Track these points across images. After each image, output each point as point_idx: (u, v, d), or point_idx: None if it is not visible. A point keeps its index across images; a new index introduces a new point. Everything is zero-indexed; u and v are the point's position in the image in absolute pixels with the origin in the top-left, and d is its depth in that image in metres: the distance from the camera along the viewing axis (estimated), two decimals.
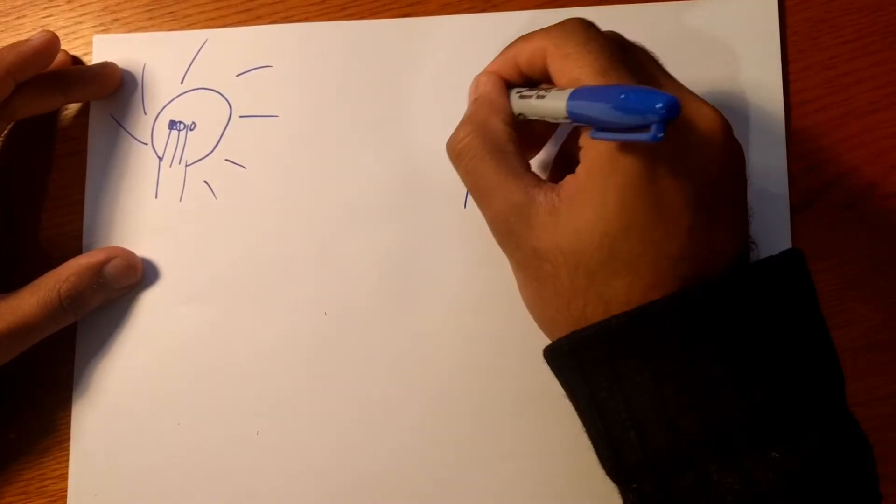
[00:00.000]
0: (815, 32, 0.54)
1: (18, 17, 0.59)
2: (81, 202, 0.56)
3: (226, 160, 0.56)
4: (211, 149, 0.56)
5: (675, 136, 0.38)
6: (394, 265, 0.54)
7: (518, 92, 0.45)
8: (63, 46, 0.57)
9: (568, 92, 0.40)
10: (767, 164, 0.53)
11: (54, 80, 0.55)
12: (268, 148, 0.55)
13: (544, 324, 0.43)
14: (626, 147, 0.38)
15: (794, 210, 0.52)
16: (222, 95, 0.56)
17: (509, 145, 0.43)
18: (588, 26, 0.43)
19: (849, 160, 0.53)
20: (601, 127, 0.38)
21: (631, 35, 0.54)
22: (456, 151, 0.44)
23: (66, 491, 0.54)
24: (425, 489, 0.52)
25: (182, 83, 0.57)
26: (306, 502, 0.53)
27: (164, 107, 0.56)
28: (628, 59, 0.42)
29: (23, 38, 0.57)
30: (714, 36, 0.54)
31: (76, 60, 0.58)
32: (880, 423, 0.51)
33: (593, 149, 0.39)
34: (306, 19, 0.57)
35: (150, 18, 0.58)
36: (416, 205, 0.54)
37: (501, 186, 0.42)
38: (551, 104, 0.41)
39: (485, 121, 0.44)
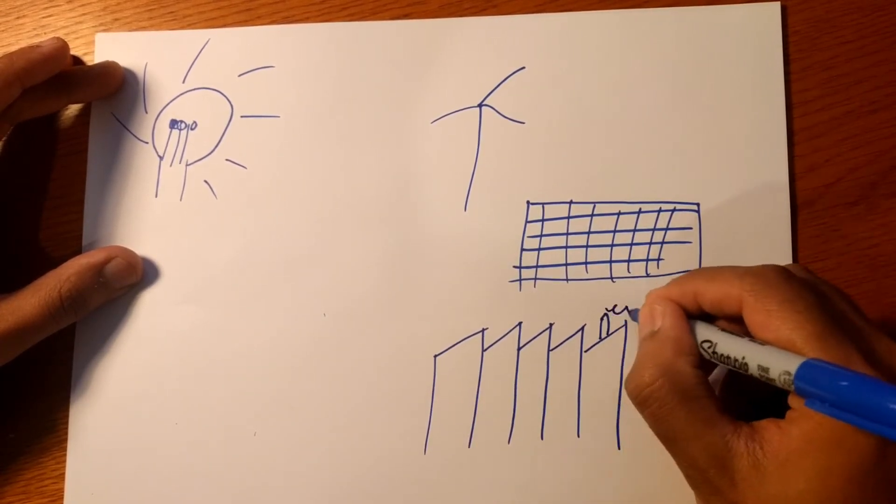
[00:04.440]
0: (815, 32, 0.54)
1: (18, 17, 0.59)
2: (82, 201, 0.56)
3: (226, 160, 0.56)
4: (212, 148, 0.56)
5: None
6: (393, 267, 0.54)
7: (706, 338, 0.43)
8: None
9: (791, 360, 0.38)
10: (768, 164, 0.53)
11: (58, 82, 0.55)
12: (269, 148, 0.55)
13: None
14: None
15: (795, 210, 0.52)
16: (224, 95, 0.56)
17: (700, 389, 0.41)
18: (788, 277, 0.41)
19: (849, 160, 0.53)
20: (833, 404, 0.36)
21: (634, 37, 0.54)
22: (641, 397, 0.42)
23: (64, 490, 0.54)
24: (422, 491, 0.52)
25: (184, 82, 0.57)
26: (304, 503, 0.52)
27: (165, 106, 0.56)
28: (833, 311, 0.40)
29: (22, 38, 0.58)
30: (717, 40, 0.54)
31: (77, 60, 0.58)
32: None
33: (814, 413, 0.37)
34: (306, 19, 0.57)
35: (150, 18, 0.58)
36: (416, 206, 0.54)
37: (696, 437, 0.40)
38: (763, 364, 0.39)
39: (671, 364, 0.42)
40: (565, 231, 0.53)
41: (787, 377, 0.37)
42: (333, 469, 0.52)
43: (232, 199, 0.55)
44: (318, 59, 0.56)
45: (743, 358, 0.40)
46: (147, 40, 0.57)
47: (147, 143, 0.56)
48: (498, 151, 0.54)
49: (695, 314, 0.44)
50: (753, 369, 0.39)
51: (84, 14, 0.59)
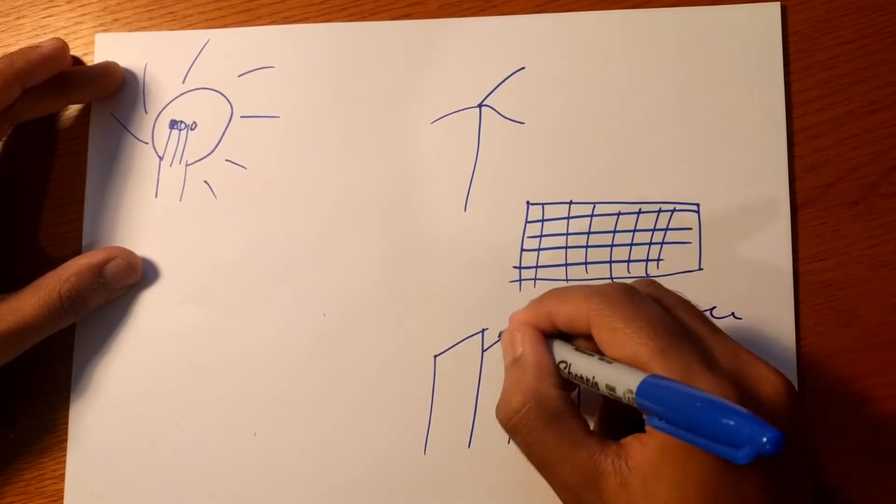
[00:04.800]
0: (815, 32, 0.54)
1: (18, 18, 0.59)
2: (82, 201, 0.56)
3: (226, 160, 0.56)
4: (212, 149, 0.56)
5: (750, 408, 0.37)
6: (393, 267, 0.54)
7: (562, 359, 0.43)
8: None
9: (632, 378, 0.38)
10: (768, 164, 0.53)
11: (58, 82, 0.55)
12: (269, 148, 0.55)
13: None
14: None
15: (795, 210, 0.52)
16: (224, 95, 0.56)
17: (566, 410, 0.42)
18: (631, 295, 0.42)
19: (849, 160, 0.53)
20: (670, 420, 0.37)
21: (634, 37, 0.54)
22: (511, 426, 0.42)
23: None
24: (422, 491, 0.52)
25: (184, 83, 0.57)
26: (303, 503, 0.52)
27: (165, 106, 0.56)
28: (676, 324, 0.41)
29: (22, 38, 0.58)
30: (717, 40, 0.54)
31: (77, 61, 0.58)
32: (880, 423, 0.51)
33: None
34: (306, 20, 0.57)
35: (150, 18, 0.58)
36: (416, 207, 0.54)
37: (566, 459, 0.40)
38: (609, 383, 0.40)
39: (535, 389, 0.42)
40: (565, 231, 0.53)
41: (630, 395, 0.38)
42: (333, 469, 0.52)
43: (232, 199, 0.55)
44: (318, 59, 0.56)
45: (593, 378, 0.41)
46: (147, 40, 0.57)
47: (147, 143, 0.56)
48: (498, 152, 0.54)
49: (553, 334, 0.45)
50: (602, 388, 0.40)
51: (84, 14, 0.59)
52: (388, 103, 0.55)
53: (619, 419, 0.45)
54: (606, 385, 0.40)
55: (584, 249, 0.53)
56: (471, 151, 0.54)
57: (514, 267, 0.53)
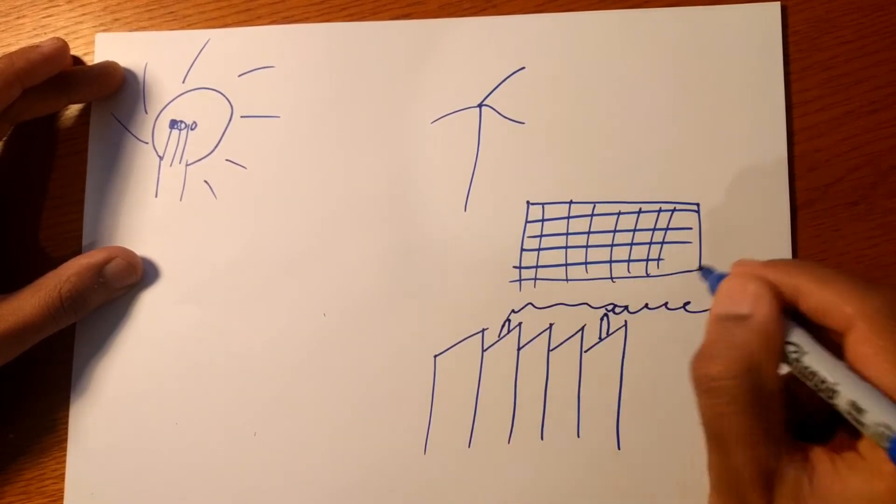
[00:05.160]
0: (815, 32, 0.54)
1: (18, 17, 0.59)
2: (82, 201, 0.56)
3: (226, 160, 0.56)
4: (212, 148, 0.56)
5: None
6: (393, 267, 0.54)
7: (796, 341, 0.37)
8: None
9: None
10: (768, 164, 0.53)
11: (58, 82, 0.55)
12: (269, 148, 0.55)
13: None
14: None
15: (795, 210, 0.52)
16: (224, 95, 0.56)
17: (775, 400, 0.36)
18: None
19: (849, 160, 0.53)
20: None
21: (634, 37, 0.54)
22: (708, 388, 0.36)
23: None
24: (422, 491, 0.52)
25: (184, 82, 0.57)
26: (304, 503, 0.53)
27: (165, 106, 0.57)
28: None
29: (22, 38, 0.58)
30: (717, 40, 0.54)
31: (77, 60, 0.58)
32: None
33: (881, 475, 0.34)
34: (306, 20, 0.57)
35: (150, 18, 0.58)
36: (416, 206, 0.54)
37: (752, 447, 0.35)
38: (860, 403, 0.34)
39: (758, 364, 0.36)
40: (565, 231, 0.53)
41: (885, 430, 0.33)
42: (333, 469, 0.52)
43: (232, 199, 0.55)
44: (318, 59, 0.56)
45: (835, 384, 0.35)
46: (147, 40, 0.57)
47: (147, 143, 0.56)
48: (498, 151, 0.54)
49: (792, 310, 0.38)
50: (842, 402, 0.35)
51: (84, 14, 0.59)
52: (388, 103, 0.55)
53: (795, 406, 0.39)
54: (852, 402, 0.34)
55: (584, 249, 0.53)
56: (471, 151, 0.54)
57: (515, 267, 0.53)
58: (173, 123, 0.56)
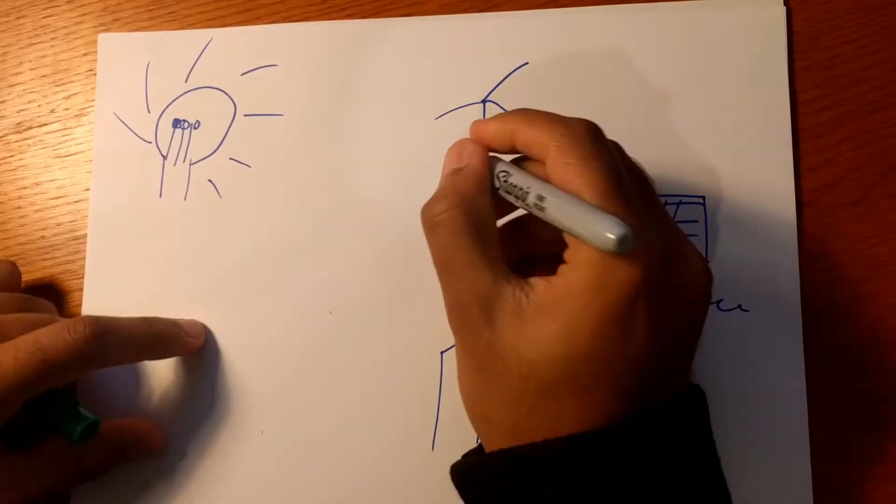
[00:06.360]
0: (815, 32, 0.54)
1: (18, 18, 0.59)
2: (84, 201, 0.56)
3: (230, 159, 0.56)
4: (215, 147, 0.56)
5: (663, 278, 0.39)
6: (398, 263, 0.54)
7: (503, 169, 0.43)
8: (63, 46, 0.58)
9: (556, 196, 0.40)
10: (773, 157, 0.53)
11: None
12: (272, 147, 0.56)
13: (476, 417, 0.43)
14: (612, 275, 0.38)
15: (801, 202, 0.53)
16: (227, 94, 0.56)
17: (490, 228, 0.42)
18: (595, 136, 0.41)
19: (849, 160, 0.54)
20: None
21: (636, 36, 0.54)
22: (434, 222, 0.42)
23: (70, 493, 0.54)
24: (430, 487, 0.52)
25: (186, 82, 0.57)
26: (310, 501, 0.52)
27: (168, 105, 0.56)
28: (628, 179, 0.41)
29: (23, 38, 0.58)
30: (721, 34, 0.54)
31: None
32: (880, 423, 0.51)
33: (578, 267, 0.39)
34: (307, 19, 0.57)
35: (150, 18, 0.58)
36: (421, 203, 0.53)
37: (471, 270, 0.40)
38: (542, 193, 0.40)
39: (472, 197, 0.42)
40: None
41: (561, 218, 0.39)
42: (340, 467, 0.52)
43: (236, 198, 0.55)
44: (320, 56, 0.56)
45: (527, 188, 0.41)
46: (149, 40, 0.57)
47: (150, 142, 0.56)
48: None
49: (505, 152, 0.44)
50: (531, 200, 0.40)
51: (84, 14, 0.59)
52: (392, 100, 0.55)
53: (533, 266, 0.45)
54: (537, 195, 0.40)
55: None
56: None
57: None
58: (176, 123, 0.56)
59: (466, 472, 0.43)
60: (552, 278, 0.40)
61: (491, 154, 0.44)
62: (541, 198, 0.40)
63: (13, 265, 0.54)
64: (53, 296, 0.56)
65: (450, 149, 0.45)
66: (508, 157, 0.44)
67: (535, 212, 0.40)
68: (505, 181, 0.43)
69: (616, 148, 0.44)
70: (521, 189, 0.41)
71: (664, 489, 0.39)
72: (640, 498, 0.38)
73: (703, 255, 0.52)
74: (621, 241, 0.36)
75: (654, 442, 0.39)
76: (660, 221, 0.42)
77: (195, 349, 0.54)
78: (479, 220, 0.42)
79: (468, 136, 0.46)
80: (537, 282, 0.40)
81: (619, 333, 0.38)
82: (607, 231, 0.36)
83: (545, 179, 0.41)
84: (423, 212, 0.43)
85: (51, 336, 0.46)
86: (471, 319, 0.40)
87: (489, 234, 0.42)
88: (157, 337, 0.51)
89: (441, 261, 0.42)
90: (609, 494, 0.38)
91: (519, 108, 0.44)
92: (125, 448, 0.52)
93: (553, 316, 0.38)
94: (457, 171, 0.44)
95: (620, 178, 0.40)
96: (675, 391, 0.41)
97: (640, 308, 0.38)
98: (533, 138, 0.42)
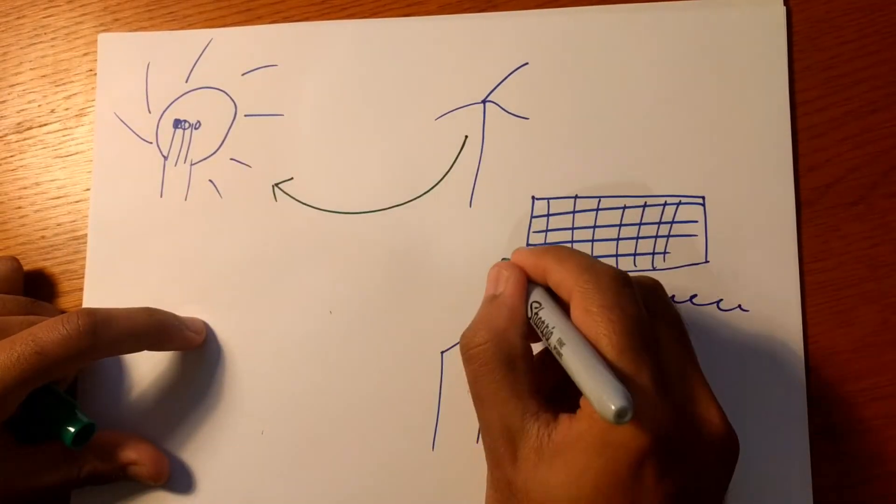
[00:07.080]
0: (815, 32, 0.54)
1: (18, 18, 0.59)
2: (84, 201, 0.56)
3: (231, 159, 0.56)
4: (216, 148, 0.56)
5: (675, 446, 0.39)
6: (399, 263, 0.54)
7: (537, 300, 0.44)
8: (63, 46, 0.58)
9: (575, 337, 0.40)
10: (773, 157, 0.53)
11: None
12: (273, 147, 0.55)
13: None
14: (616, 435, 0.38)
15: (799, 201, 0.53)
16: (227, 94, 0.56)
17: (521, 362, 0.42)
18: (620, 285, 0.42)
19: (849, 160, 0.53)
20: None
21: (636, 36, 0.54)
22: (469, 354, 0.43)
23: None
24: (431, 487, 0.52)
25: (187, 82, 0.57)
26: (310, 501, 0.52)
27: (168, 105, 0.56)
28: (650, 334, 0.41)
29: (23, 38, 0.58)
30: (721, 34, 0.54)
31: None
32: (880, 423, 0.51)
33: (589, 416, 0.39)
34: (307, 19, 0.57)
35: (150, 18, 0.58)
36: (422, 203, 0.54)
37: (502, 404, 0.41)
38: (563, 338, 0.40)
39: (504, 331, 0.43)
40: (570, 226, 0.53)
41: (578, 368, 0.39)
42: (341, 466, 0.52)
43: (237, 198, 0.55)
44: (321, 56, 0.56)
45: (552, 327, 0.41)
46: (149, 40, 0.57)
47: (151, 143, 0.56)
48: (502, 147, 0.54)
49: (542, 284, 0.45)
50: (553, 341, 0.41)
51: (84, 14, 0.59)
52: (393, 100, 0.55)
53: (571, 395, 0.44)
54: (559, 339, 0.40)
55: (590, 244, 0.53)
56: (475, 147, 0.54)
57: None
58: (177, 123, 0.56)
59: None
60: (573, 419, 0.40)
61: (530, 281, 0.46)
62: (561, 343, 0.40)
63: (15, 261, 0.54)
64: (53, 296, 0.56)
65: (490, 269, 0.47)
66: None
67: (554, 353, 0.41)
68: (535, 313, 0.44)
69: (653, 289, 0.45)
70: (546, 327, 0.42)
71: None
72: None
73: (704, 256, 0.52)
74: (619, 414, 0.35)
75: None
76: (681, 378, 0.42)
77: (196, 344, 0.54)
78: (511, 354, 0.42)
79: (503, 263, 0.47)
80: (563, 419, 0.40)
81: (623, 495, 0.38)
82: (609, 401, 0.36)
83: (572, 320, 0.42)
84: (461, 339, 0.44)
85: (46, 330, 0.46)
86: (497, 452, 0.41)
87: (521, 366, 0.42)
88: (157, 325, 0.51)
89: (474, 391, 0.43)
90: None
91: (554, 245, 0.47)
92: (127, 465, 0.51)
93: (564, 462, 0.39)
94: (493, 299, 0.45)
95: (640, 333, 0.40)
96: None
97: (647, 474, 0.38)
98: (561, 280, 0.43)
